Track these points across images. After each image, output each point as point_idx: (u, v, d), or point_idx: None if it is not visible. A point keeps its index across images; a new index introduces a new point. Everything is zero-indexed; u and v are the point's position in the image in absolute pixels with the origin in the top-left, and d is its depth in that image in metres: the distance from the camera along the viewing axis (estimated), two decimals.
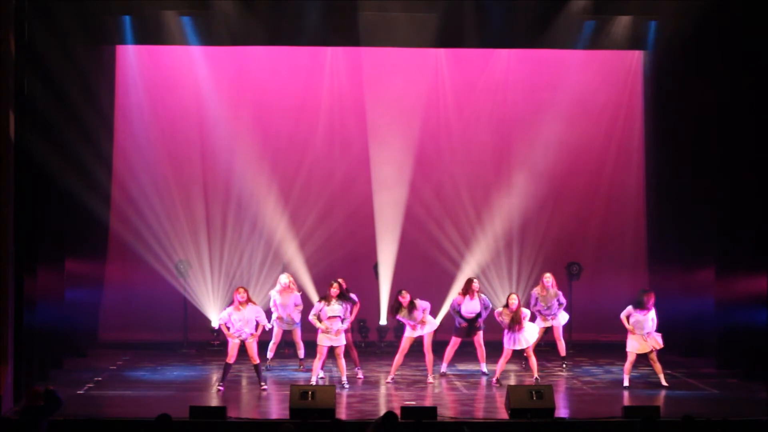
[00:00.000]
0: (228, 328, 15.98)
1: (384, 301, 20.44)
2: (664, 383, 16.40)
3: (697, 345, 19.21)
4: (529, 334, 16.56)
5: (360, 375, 17.13)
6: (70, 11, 17.55)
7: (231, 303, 16.23)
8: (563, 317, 18.05)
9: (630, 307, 16.46)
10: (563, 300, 18.03)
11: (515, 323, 16.37)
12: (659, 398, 15.47)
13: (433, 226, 21.01)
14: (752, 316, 17.22)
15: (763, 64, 16.92)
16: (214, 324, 20.28)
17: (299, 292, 17.94)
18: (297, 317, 17.63)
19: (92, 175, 18.85)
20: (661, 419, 13.16)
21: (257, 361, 16.12)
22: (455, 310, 17.41)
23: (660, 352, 16.48)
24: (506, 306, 16.52)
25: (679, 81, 19.57)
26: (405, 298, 16.75)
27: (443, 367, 17.55)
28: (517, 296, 16.65)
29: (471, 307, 17.31)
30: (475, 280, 17.60)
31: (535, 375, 16.71)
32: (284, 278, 17.76)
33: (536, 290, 18.00)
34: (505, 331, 16.52)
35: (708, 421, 12.32)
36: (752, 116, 17.23)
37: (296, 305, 17.59)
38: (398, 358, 16.90)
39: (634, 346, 16.42)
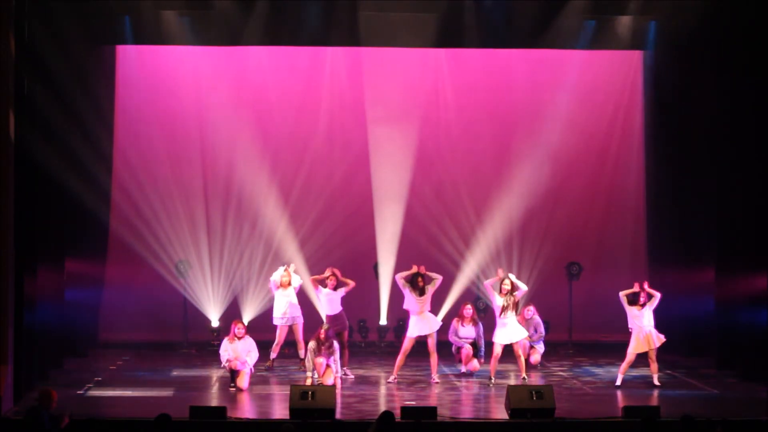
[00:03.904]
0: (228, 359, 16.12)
1: (384, 301, 20.45)
2: (656, 383, 16.40)
3: (697, 345, 19.21)
4: (515, 330, 16.53)
5: (349, 375, 17.15)
6: (70, 11, 17.54)
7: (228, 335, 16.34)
8: (539, 347, 18.31)
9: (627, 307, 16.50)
10: (542, 330, 18.27)
11: (511, 300, 16.33)
12: (659, 398, 15.46)
13: (433, 226, 21.02)
14: (752, 316, 17.22)
15: (763, 64, 16.92)
16: (215, 324, 20.37)
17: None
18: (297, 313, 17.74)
19: (92, 175, 18.85)
20: (661, 419, 13.15)
21: (244, 389, 16.01)
22: (455, 335, 17.63)
23: (660, 352, 16.46)
24: (499, 291, 16.52)
25: (679, 81, 19.58)
26: (420, 267, 16.80)
27: (462, 368, 17.63)
28: (511, 281, 16.58)
29: (465, 332, 17.58)
30: (467, 307, 17.65)
31: (523, 374, 16.69)
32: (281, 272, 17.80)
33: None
34: (497, 318, 16.50)
35: (708, 421, 12.32)
36: (752, 116, 17.23)
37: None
38: (400, 358, 16.90)
39: (635, 346, 16.40)
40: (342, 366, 16.70)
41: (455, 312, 18.14)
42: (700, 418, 12.15)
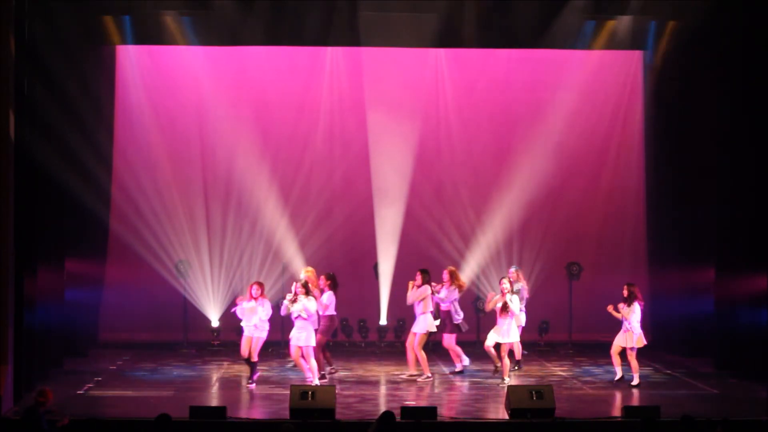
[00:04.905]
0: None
1: (384, 301, 20.45)
2: (634, 382, 16.39)
3: (697, 345, 19.20)
4: (514, 330, 16.56)
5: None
6: (70, 11, 17.56)
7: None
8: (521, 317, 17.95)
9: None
10: (525, 294, 17.88)
11: (506, 307, 16.38)
12: (659, 398, 15.45)
13: (433, 226, 21.02)
14: (752, 316, 17.22)
15: (763, 64, 16.92)
16: (215, 324, 20.36)
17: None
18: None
19: (92, 175, 18.86)
20: (661, 419, 13.16)
21: (255, 359, 16.22)
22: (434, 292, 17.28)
23: (660, 352, 16.45)
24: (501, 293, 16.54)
25: (679, 81, 19.59)
26: (416, 279, 16.82)
27: (458, 366, 17.61)
28: (509, 281, 16.64)
29: (442, 294, 17.25)
30: (445, 271, 17.48)
31: (505, 376, 16.63)
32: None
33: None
34: (498, 318, 16.52)
35: (708, 421, 12.33)
36: (752, 116, 17.23)
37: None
38: (422, 356, 16.90)
39: (617, 339, 16.56)
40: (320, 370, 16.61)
41: None
42: (700, 418, 12.17)
